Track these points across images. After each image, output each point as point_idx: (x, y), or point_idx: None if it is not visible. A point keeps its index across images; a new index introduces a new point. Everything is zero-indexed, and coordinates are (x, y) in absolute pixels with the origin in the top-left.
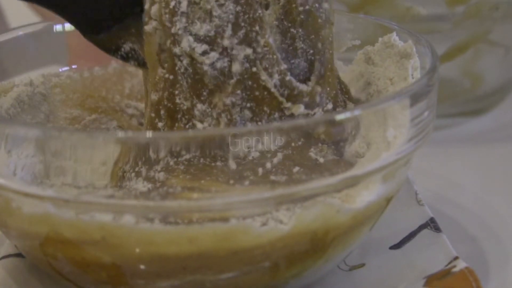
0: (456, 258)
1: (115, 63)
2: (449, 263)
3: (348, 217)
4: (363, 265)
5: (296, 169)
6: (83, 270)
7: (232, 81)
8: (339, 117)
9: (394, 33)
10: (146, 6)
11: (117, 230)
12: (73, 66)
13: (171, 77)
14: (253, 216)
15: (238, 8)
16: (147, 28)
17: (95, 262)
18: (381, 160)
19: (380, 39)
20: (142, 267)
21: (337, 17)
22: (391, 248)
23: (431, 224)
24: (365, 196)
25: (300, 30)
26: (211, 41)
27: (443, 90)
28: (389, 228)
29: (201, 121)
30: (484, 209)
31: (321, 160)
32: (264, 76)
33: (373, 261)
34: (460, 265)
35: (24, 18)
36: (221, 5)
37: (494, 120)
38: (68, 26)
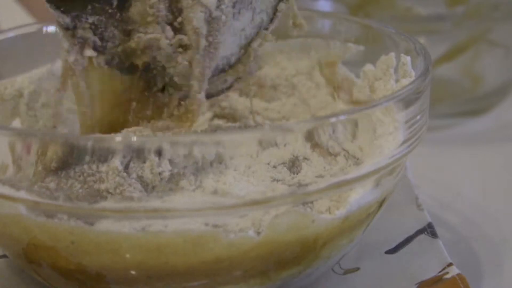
0: (450, 264)
1: None
2: (443, 269)
3: (330, 225)
4: (357, 269)
5: None
6: (58, 274)
7: None
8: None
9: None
10: None
11: (86, 235)
12: None
13: None
14: (225, 224)
15: None
16: None
17: (67, 267)
18: (373, 164)
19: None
20: (108, 273)
21: (334, 20)
22: (387, 252)
23: (428, 230)
24: (357, 200)
25: None
26: None
27: (443, 90)
28: (386, 232)
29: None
30: (483, 210)
31: None
32: None
33: (368, 265)
34: (453, 272)
35: (18, 19)
36: None
37: (494, 120)
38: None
